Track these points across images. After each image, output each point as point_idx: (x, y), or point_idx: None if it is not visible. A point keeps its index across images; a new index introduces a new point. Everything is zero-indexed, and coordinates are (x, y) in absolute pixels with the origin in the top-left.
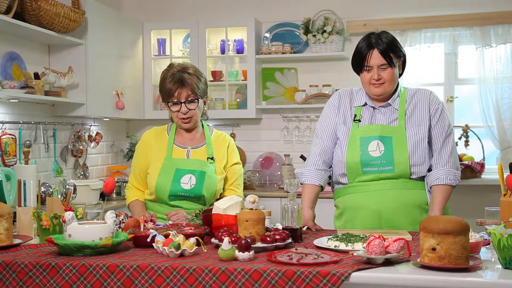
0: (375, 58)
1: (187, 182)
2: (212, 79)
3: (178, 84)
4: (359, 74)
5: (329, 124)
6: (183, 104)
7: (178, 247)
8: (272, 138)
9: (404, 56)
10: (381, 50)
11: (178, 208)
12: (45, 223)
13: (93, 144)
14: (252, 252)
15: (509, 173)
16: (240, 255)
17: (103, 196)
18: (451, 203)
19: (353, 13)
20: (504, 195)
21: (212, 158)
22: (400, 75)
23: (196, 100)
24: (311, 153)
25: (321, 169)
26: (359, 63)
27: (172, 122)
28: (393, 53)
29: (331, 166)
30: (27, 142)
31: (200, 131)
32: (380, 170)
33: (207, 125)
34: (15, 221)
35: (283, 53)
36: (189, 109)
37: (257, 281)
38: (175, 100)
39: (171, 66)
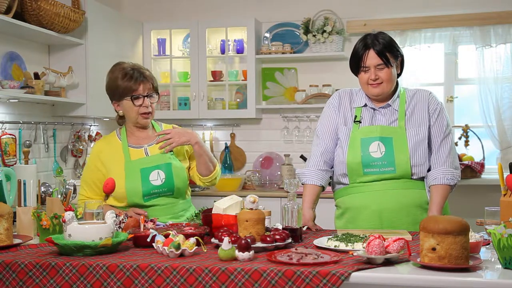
0: (372, 58)
1: (157, 178)
2: (212, 79)
3: (140, 79)
4: (357, 76)
5: (329, 124)
6: (145, 98)
7: (178, 247)
8: (272, 138)
9: (402, 56)
10: (377, 50)
11: (154, 207)
12: (45, 223)
13: (93, 144)
14: (252, 252)
15: (509, 173)
16: (240, 255)
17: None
18: (451, 203)
19: (353, 13)
20: (504, 195)
21: (170, 151)
22: (399, 75)
23: (156, 95)
24: (312, 153)
25: (323, 169)
26: (356, 64)
27: (120, 127)
28: (390, 53)
29: (332, 167)
30: (27, 142)
31: (151, 128)
32: (382, 171)
33: (155, 121)
34: (15, 221)
35: (283, 53)
36: (151, 103)
37: (257, 281)
38: (137, 94)
39: (119, 64)
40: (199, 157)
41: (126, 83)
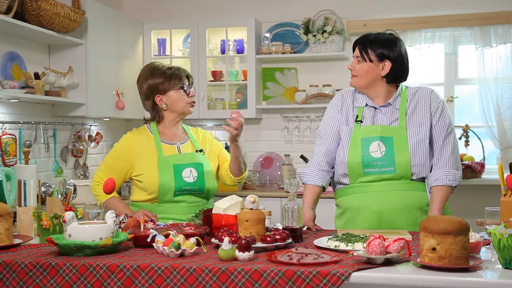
0: (356, 50)
1: (189, 176)
2: (212, 79)
3: (186, 73)
4: None
5: (332, 124)
6: (192, 88)
7: (178, 247)
8: (272, 138)
9: (391, 59)
10: (361, 43)
11: (181, 203)
12: (45, 223)
13: (93, 144)
14: (252, 252)
15: (509, 173)
16: (240, 255)
17: None
18: (451, 203)
19: (353, 13)
20: (504, 195)
21: (201, 151)
22: (388, 77)
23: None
24: (315, 153)
25: (324, 169)
26: None
27: (151, 121)
28: (373, 51)
29: (333, 167)
30: (27, 142)
31: (181, 128)
32: (382, 171)
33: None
34: (15, 221)
35: (283, 53)
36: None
37: (257, 281)
38: (187, 84)
39: (154, 63)
40: (236, 157)
41: (174, 76)
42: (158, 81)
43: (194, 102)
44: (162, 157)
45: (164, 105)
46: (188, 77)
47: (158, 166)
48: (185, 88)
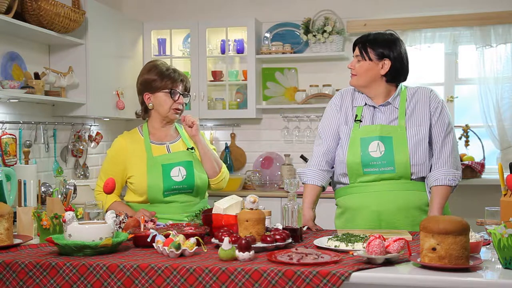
0: (356, 49)
1: (178, 175)
2: (212, 79)
3: (181, 77)
4: None
5: (331, 124)
6: (181, 95)
7: (178, 247)
8: (272, 138)
9: (392, 59)
10: (361, 42)
11: (173, 203)
12: (45, 223)
13: (93, 144)
14: (252, 252)
15: (509, 173)
16: (240, 255)
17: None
18: (451, 203)
19: (353, 13)
20: (504, 195)
21: (192, 148)
22: (388, 76)
23: (189, 96)
24: (314, 153)
25: (324, 169)
26: None
27: (141, 124)
28: (373, 50)
29: (333, 166)
30: (27, 142)
31: (173, 127)
32: (381, 170)
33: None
34: (15, 221)
35: (283, 53)
36: (184, 102)
37: (257, 281)
38: (177, 89)
39: (159, 61)
40: (204, 153)
41: (167, 78)
42: (151, 78)
43: (179, 110)
44: (151, 158)
45: (150, 105)
46: (182, 81)
47: (147, 167)
48: (172, 93)
